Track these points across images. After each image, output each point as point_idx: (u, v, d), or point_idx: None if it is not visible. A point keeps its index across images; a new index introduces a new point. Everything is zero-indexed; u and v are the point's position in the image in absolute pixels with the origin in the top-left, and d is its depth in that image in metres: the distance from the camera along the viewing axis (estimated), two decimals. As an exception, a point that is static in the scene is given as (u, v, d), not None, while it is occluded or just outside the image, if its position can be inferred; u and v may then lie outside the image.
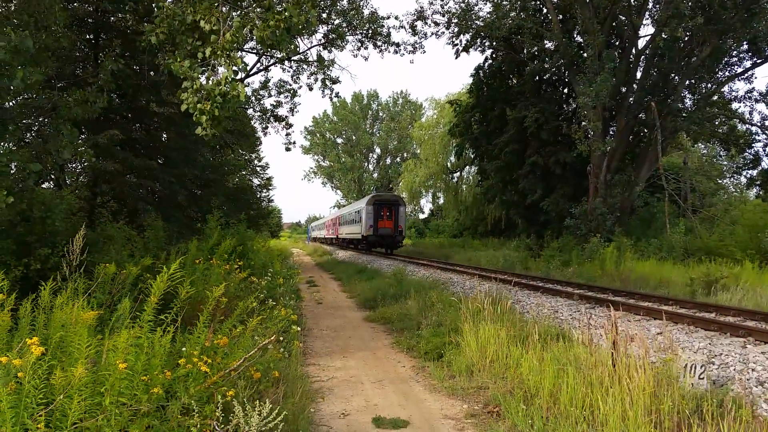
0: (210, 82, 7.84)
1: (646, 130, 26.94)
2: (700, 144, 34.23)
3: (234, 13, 8.33)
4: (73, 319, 4.24)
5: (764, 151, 26.90)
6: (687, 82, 25.38)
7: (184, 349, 4.54)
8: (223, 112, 7.73)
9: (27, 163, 6.92)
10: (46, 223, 7.47)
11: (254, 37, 7.74)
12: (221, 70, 8.02)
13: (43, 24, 8.15)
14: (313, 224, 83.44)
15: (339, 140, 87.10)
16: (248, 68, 25.89)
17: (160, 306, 4.72)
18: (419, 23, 28.54)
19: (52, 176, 12.91)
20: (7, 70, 6.60)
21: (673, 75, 25.47)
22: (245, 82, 25.56)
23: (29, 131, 10.67)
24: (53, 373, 3.40)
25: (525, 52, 29.81)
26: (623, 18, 26.16)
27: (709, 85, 25.74)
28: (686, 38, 23.36)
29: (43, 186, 12.36)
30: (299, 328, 8.86)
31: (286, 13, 7.54)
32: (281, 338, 7.48)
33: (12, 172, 6.85)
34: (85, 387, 3.46)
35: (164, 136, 17.52)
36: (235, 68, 7.66)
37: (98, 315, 4.70)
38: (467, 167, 50.96)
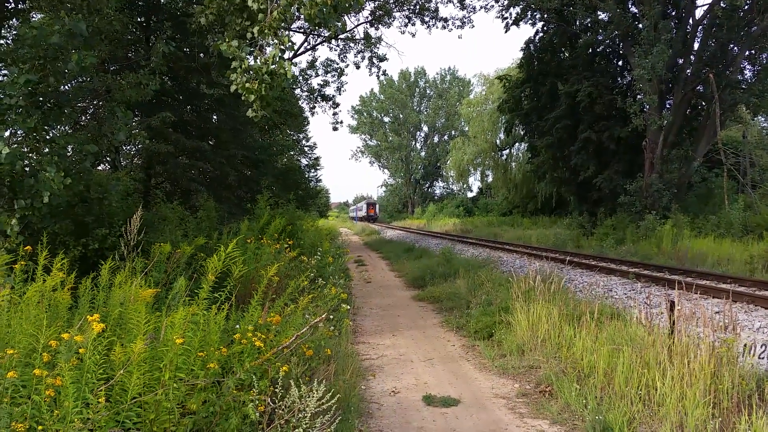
0: (258, 62, 7.86)
1: (703, 103, 25.83)
2: (760, 117, 32.62)
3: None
4: (132, 297, 4.36)
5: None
6: (747, 53, 24.15)
7: (238, 326, 4.62)
8: (272, 92, 7.74)
9: (83, 145, 7.10)
10: (103, 204, 7.69)
11: (302, 15, 7.69)
12: (269, 49, 8.03)
13: (95, 7, 8.30)
14: (350, 209, 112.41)
15: (386, 119, 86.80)
16: (295, 47, 25.95)
17: (214, 285, 4.80)
18: (468, -4, 27.96)
19: (108, 158, 13.27)
20: (62, 54, 6.75)
21: (732, 45, 24.27)
22: (293, 61, 25.65)
23: (84, 114, 10.96)
24: (113, 349, 3.49)
25: (577, 24, 28.83)
26: (681, -14, 25.07)
27: (771, 56, 24.50)
28: (746, 6, 22.20)
29: (99, 168, 12.73)
30: (349, 307, 8.93)
31: (334, -9, 7.46)
32: (331, 317, 7.55)
33: (69, 154, 7.04)
34: (144, 363, 3.55)
35: (214, 117, 17.79)
36: (282, 47, 7.65)
37: (155, 293, 4.81)
38: (517, 144, 50.06)
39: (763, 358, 5.96)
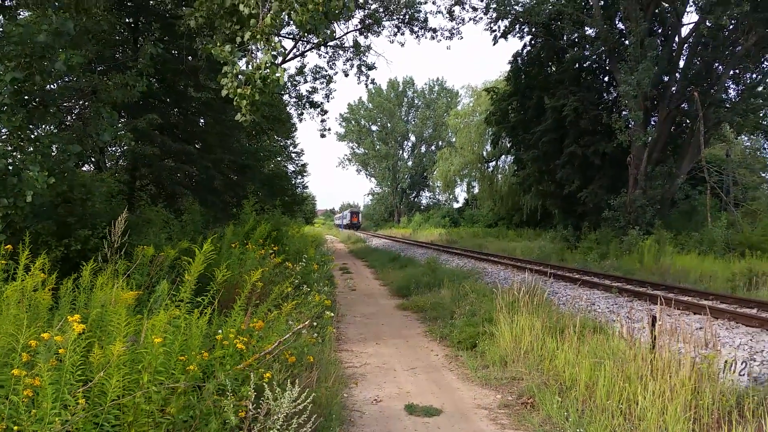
0: (250, 67, 7.85)
1: (688, 121, 26.16)
2: (743, 136, 33.03)
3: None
4: (113, 299, 4.31)
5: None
6: (731, 72, 24.50)
7: (220, 331, 4.58)
8: (263, 97, 7.74)
9: (67, 145, 7.03)
10: (86, 204, 7.60)
11: (292, 21, 7.70)
12: (259, 54, 8.03)
13: (83, 6, 8.24)
14: (335, 217, 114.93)
15: (374, 127, 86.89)
16: (285, 53, 25.96)
17: (196, 289, 4.76)
18: (457, 8, 28.10)
19: (92, 159, 13.13)
20: (49, 53, 6.69)
21: (716, 64, 24.63)
22: (282, 67, 25.68)
23: (70, 114, 10.85)
24: (92, 350, 3.45)
25: (565, 38, 29.13)
26: (666, 5, 25.38)
27: (754, 76, 24.81)
28: (731, 26, 22.54)
29: (84, 169, 12.59)
30: (333, 314, 8.90)
31: (325, -4, 7.48)
32: (315, 324, 7.51)
33: (53, 154, 6.97)
34: (124, 365, 3.50)
35: (201, 121, 17.69)
36: (274, 53, 7.65)
37: (137, 296, 4.76)
38: (503, 156, 50.35)
39: (743, 374, 6.02)
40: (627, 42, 23.68)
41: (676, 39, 25.31)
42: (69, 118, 10.72)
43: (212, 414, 3.79)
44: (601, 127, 26.92)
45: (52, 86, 7.70)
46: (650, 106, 25.16)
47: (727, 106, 24.16)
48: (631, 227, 22.33)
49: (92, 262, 4.99)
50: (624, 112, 25.10)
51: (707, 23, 22.30)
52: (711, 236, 20.43)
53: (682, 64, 25.44)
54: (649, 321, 6.35)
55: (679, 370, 5.33)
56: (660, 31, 26.69)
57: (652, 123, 25.89)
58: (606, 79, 30.38)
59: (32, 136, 6.90)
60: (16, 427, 2.97)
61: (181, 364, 3.93)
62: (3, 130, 6.71)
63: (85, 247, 7.15)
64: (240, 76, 7.90)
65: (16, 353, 3.30)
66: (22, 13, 9.11)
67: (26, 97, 6.86)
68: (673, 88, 25.07)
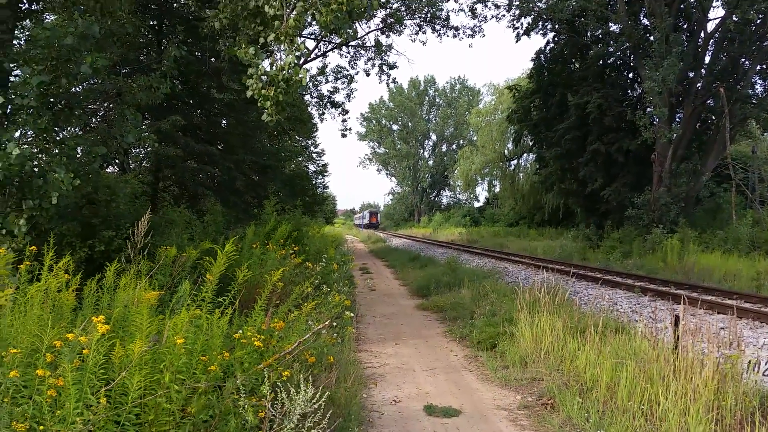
0: (273, 68, 7.91)
1: (713, 117, 25.74)
2: (770, 132, 32.53)
3: (294, -1, 8.36)
4: (135, 299, 4.37)
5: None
6: (758, 68, 24.08)
7: (240, 331, 4.63)
8: (287, 98, 7.80)
9: (93, 147, 7.15)
10: (110, 206, 7.73)
11: (316, 21, 7.73)
12: (282, 55, 8.08)
13: (108, 10, 8.36)
14: (354, 217, 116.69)
15: (395, 127, 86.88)
16: (308, 54, 26.11)
17: (218, 289, 4.81)
18: (479, 6, 28.00)
19: (117, 161, 13.35)
20: (75, 56, 6.81)
21: (743, 60, 24.21)
22: (304, 68, 25.83)
23: (95, 116, 11.03)
24: (114, 350, 3.50)
25: (588, 35, 28.82)
26: (692, 0, 25.02)
27: (782, 71, 24.43)
28: (758, 21, 22.14)
29: (108, 170, 12.79)
30: (352, 315, 8.92)
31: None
32: (335, 324, 7.54)
33: (78, 155, 7.09)
34: (145, 365, 3.55)
35: (224, 122, 17.86)
36: (297, 53, 7.70)
37: (159, 296, 4.83)
38: (525, 155, 50.05)
39: (767, 375, 5.91)
40: (652, 38, 23.37)
41: (702, 34, 24.91)
42: (94, 120, 10.90)
43: (231, 414, 3.83)
44: (625, 124, 26.61)
45: (77, 89, 7.83)
46: (675, 102, 24.80)
47: (754, 101, 23.74)
48: (655, 226, 22.04)
49: (116, 263, 5.06)
50: (648, 109, 24.77)
51: (734, 18, 21.91)
52: (736, 234, 20.08)
53: (707, 59, 25.03)
54: (672, 321, 6.26)
55: (702, 371, 5.26)
56: (685, 26, 26.29)
57: (677, 120, 25.53)
58: (630, 75, 30.02)
59: (57, 138, 7.03)
60: (40, 427, 3.03)
61: (202, 364, 3.97)
62: (29, 133, 6.84)
63: (108, 248, 7.27)
64: (263, 77, 7.97)
65: (40, 353, 3.36)
66: (48, 16, 9.29)
67: (52, 100, 6.98)
68: (699, 84, 24.68)
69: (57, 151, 6.79)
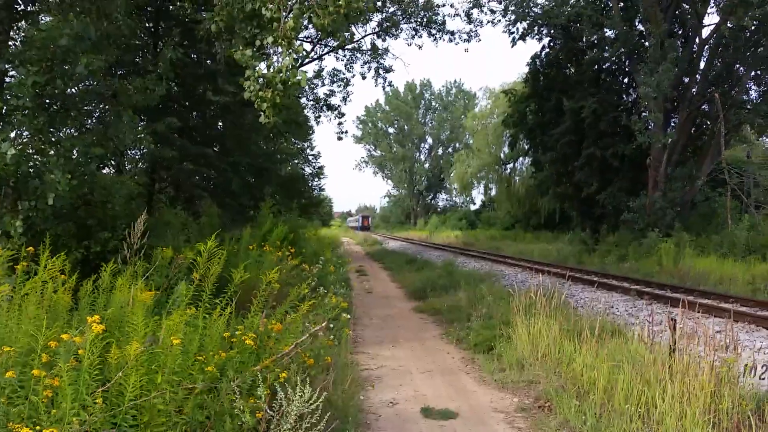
0: (271, 70, 7.91)
1: (708, 123, 25.83)
2: (764, 137, 32.57)
3: (290, 1, 8.36)
4: (131, 300, 4.35)
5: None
6: (753, 74, 24.14)
7: (237, 332, 4.61)
8: (284, 100, 7.79)
9: (91, 148, 7.13)
10: (106, 207, 7.70)
11: (313, 24, 7.74)
12: (279, 57, 8.08)
13: (104, 11, 8.35)
14: (348, 219, 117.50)
15: (391, 130, 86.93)
16: (305, 56, 26.10)
17: (214, 290, 4.79)
18: (475, 11, 28.07)
19: (113, 162, 13.29)
20: (70, 57, 6.79)
21: (738, 66, 24.29)
22: (302, 70, 25.85)
23: (90, 117, 10.99)
24: (110, 351, 3.48)
25: (584, 40, 28.90)
26: (687, 6, 25.09)
27: (776, 77, 24.52)
28: (753, 27, 22.23)
29: (104, 171, 12.74)
30: (349, 316, 8.90)
31: (346, -2, 7.49)
32: (331, 326, 7.52)
33: (74, 156, 7.06)
34: (141, 366, 3.53)
35: (220, 124, 17.83)
36: (295, 56, 7.70)
37: (155, 297, 4.80)
38: (521, 159, 50.17)
39: (763, 378, 5.92)
40: (647, 43, 23.44)
41: (697, 40, 24.99)
42: (89, 121, 10.86)
43: (227, 414, 3.81)
44: (621, 128, 26.66)
45: (73, 90, 7.81)
46: (670, 107, 24.88)
47: (748, 107, 23.82)
48: (650, 230, 22.07)
49: (112, 264, 5.03)
50: (644, 114, 24.83)
51: (728, 24, 22.01)
52: (731, 239, 20.12)
53: (702, 65, 25.12)
54: (669, 324, 6.27)
55: (699, 374, 5.26)
56: (680, 32, 26.38)
57: (672, 125, 25.60)
58: (625, 80, 30.09)
59: (53, 139, 7.00)
60: (36, 427, 3.01)
61: (198, 364, 3.95)
62: (25, 133, 6.82)
63: (104, 249, 7.24)
64: (260, 80, 7.96)
65: (36, 354, 3.34)
66: (44, 18, 9.26)
67: (47, 101, 6.96)
68: (694, 90, 24.77)
69: (53, 152, 6.77)
